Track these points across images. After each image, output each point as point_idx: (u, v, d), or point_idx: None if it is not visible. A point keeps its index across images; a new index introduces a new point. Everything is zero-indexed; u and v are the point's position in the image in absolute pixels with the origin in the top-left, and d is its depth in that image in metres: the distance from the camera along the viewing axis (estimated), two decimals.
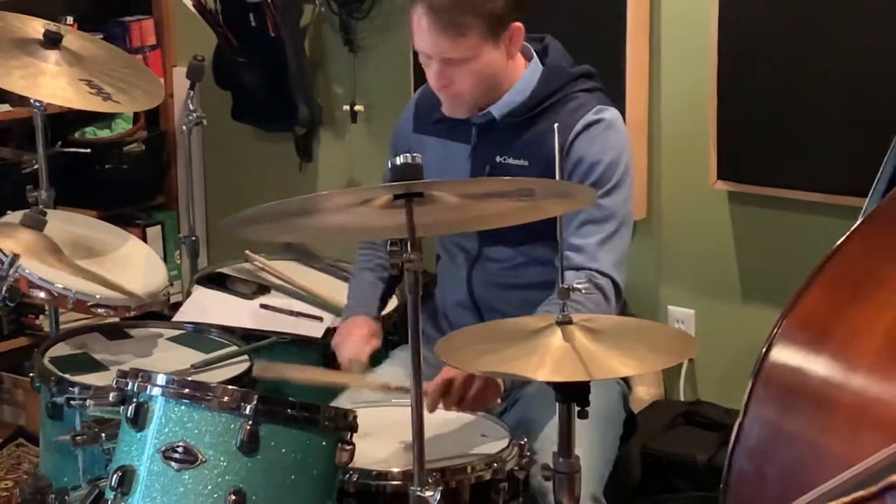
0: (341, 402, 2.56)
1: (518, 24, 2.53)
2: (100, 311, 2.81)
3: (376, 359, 2.67)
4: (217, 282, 3.15)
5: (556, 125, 2.15)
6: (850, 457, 1.28)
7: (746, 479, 1.48)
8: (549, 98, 2.59)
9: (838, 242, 1.55)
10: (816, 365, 1.44)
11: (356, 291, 2.78)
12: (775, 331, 1.49)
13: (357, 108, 3.89)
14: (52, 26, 2.99)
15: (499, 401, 2.46)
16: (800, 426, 1.42)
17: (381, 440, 2.34)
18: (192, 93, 3.38)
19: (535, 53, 2.63)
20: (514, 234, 2.52)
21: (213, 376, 2.63)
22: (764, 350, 1.49)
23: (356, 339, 2.60)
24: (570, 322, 2.07)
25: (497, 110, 2.60)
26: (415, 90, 3.43)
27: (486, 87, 2.55)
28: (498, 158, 2.60)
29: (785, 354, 1.48)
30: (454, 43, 2.47)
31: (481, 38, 2.48)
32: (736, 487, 1.50)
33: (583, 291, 2.12)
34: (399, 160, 1.94)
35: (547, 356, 2.00)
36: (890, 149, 1.72)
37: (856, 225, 1.67)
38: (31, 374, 2.69)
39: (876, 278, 1.44)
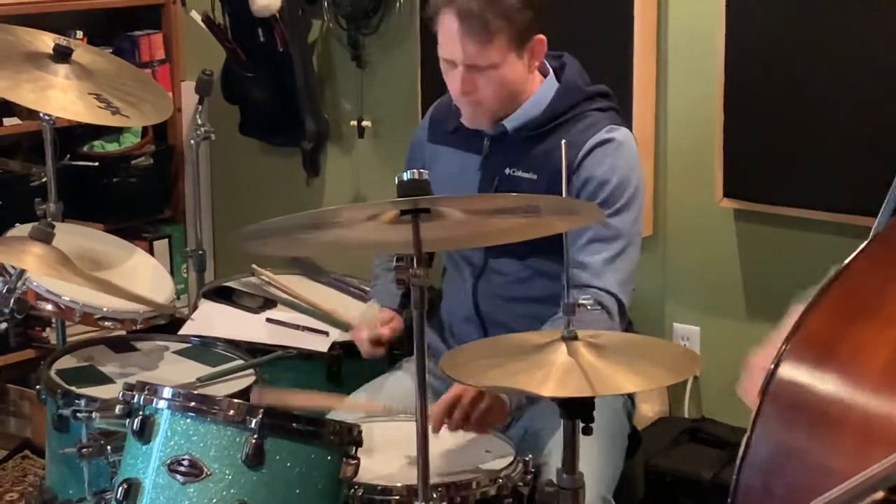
0: (346, 416, 2.56)
1: (541, 36, 2.55)
2: (107, 323, 2.82)
3: (398, 342, 2.72)
4: (223, 296, 3.15)
5: (563, 141, 2.16)
6: (856, 473, 1.29)
7: (753, 495, 1.49)
8: (562, 115, 2.60)
9: (846, 261, 1.55)
10: (823, 382, 1.45)
11: (377, 288, 2.81)
12: (783, 348, 1.50)
13: (364, 123, 3.90)
14: (62, 40, 3.00)
15: (506, 421, 2.46)
16: (806, 442, 1.43)
17: (385, 455, 2.34)
18: (200, 107, 3.39)
19: (551, 70, 2.65)
20: (520, 248, 2.53)
21: (219, 390, 2.64)
22: (772, 367, 1.50)
23: (373, 325, 2.66)
24: (575, 338, 2.07)
25: (510, 123, 2.61)
26: (422, 106, 3.45)
27: (506, 97, 2.57)
28: (507, 171, 2.61)
29: (792, 372, 1.49)
30: (482, 48, 2.49)
31: (507, 46, 2.50)
32: (743, 503, 1.51)
33: (588, 308, 2.13)
34: (406, 176, 1.95)
35: (552, 371, 2.01)
36: None
37: (863, 244, 1.67)
38: (37, 387, 2.70)
39: (881, 296, 1.45)
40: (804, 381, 1.46)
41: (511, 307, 2.64)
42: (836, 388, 1.41)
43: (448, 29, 2.51)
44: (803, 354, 1.47)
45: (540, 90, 2.62)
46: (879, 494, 1.12)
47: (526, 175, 2.59)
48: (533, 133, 2.60)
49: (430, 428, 2.05)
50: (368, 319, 2.69)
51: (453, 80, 2.55)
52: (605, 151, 2.56)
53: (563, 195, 2.13)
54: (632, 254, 2.58)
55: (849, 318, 1.45)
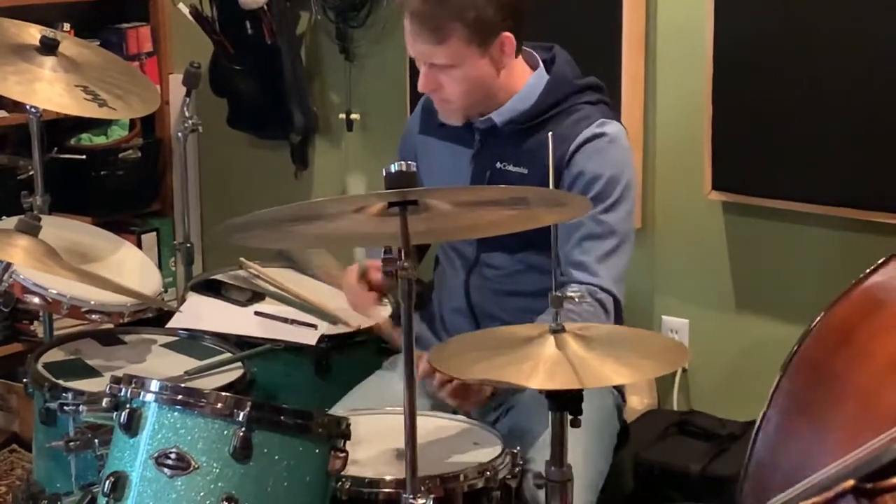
0: (335, 409, 2.56)
1: (508, 34, 2.53)
2: (94, 316, 2.81)
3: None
4: (211, 289, 3.14)
5: (549, 134, 2.16)
6: (845, 453, 1.30)
7: (764, 468, 1.51)
8: (552, 108, 2.59)
9: (885, 258, 1.58)
10: (836, 364, 1.48)
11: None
12: (811, 327, 1.54)
13: (353, 116, 3.89)
14: (49, 32, 2.99)
15: (489, 394, 2.46)
16: (811, 420, 1.46)
17: (373, 448, 2.34)
18: (188, 100, 3.38)
19: (541, 62, 2.64)
20: (513, 242, 2.53)
21: (207, 383, 2.63)
22: (795, 347, 1.53)
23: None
24: (563, 330, 2.07)
25: (498, 117, 2.60)
26: (411, 99, 3.45)
27: (475, 95, 2.56)
28: (498, 165, 2.61)
29: (812, 352, 1.52)
30: (435, 48, 2.49)
31: (464, 45, 2.49)
32: (754, 475, 1.53)
33: (576, 300, 2.12)
34: (394, 168, 1.94)
35: (540, 364, 2.01)
36: None
37: None
38: (24, 380, 2.69)
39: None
40: (820, 363, 1.49)
41: (504, 301, 2.64)
42: (846, 371, 1.44)
43: (406, 28, 2.53)
44: (826, 338, 1.50)
45: (529, 83, 2.61)
46: (849, 483, 1.13)
47: (517, 169, 2.58)
48: (523, 127, 2.60)
49: (426, 416, 2.04)
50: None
51: (420, 78, 2.57)
52: (597, 146, 2.56)
53: (551, 187, 2.13)
54: (625, 250, 2.57)
55: (869, 311, 1.48)
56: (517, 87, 2.60)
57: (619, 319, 2.57)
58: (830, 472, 1.18)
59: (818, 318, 1.55)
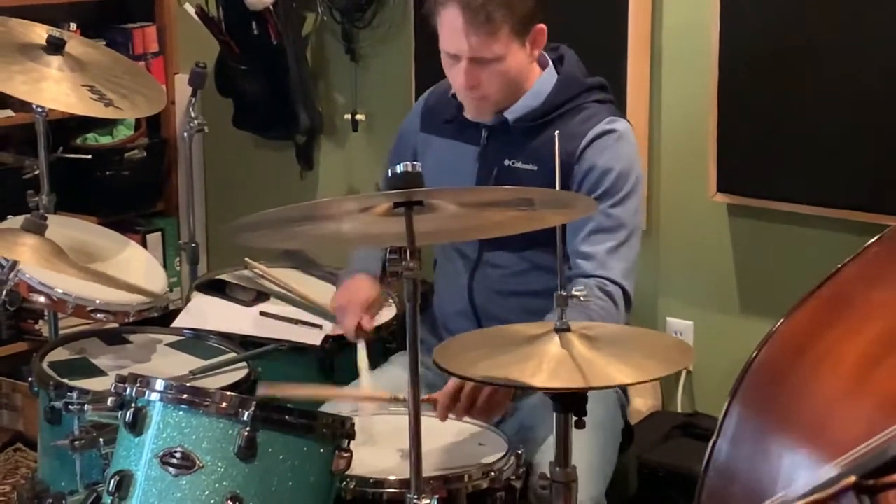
0: (339, 409, 2.56)
1: (542, 25, 2.55)
2: (99, 316, 2.81)
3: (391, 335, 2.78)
4: (216, 288, 3.15)
5: (556, 132, 2.16)
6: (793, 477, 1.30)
7: (716, 497, 1.49)
8: (562, 106, 2.60)
9: (839, 266, 1.55)
10: (787, 386, 1.45)
11: (358, 255, 2.83)
12: (754, 355, 1.50)
13: (358, 116, 3.90)
14: (55, 32, 2.99)
15: (508, 407, 2.46)
16: (762, 444, 1.43)
17: (378, 448, 2.34)
18: (193, 100, 3.39)
19: (550, 61, 2.65)
20: (516, 240, 2.52)
21: (212, 382, 2.63)
22: (743, 370, 1.49)
23: (357, 307, 2.67)
24: (568, 329, 2.07)
25: (511, 114, 2.61)
26: (415, 98, 3.44)
27: (510, 88, 2.57)
28: (506, 162, 2.61)
29: (762, 375, 1.48)
30: (487, 41, 2.49)
31: (511, 37, 2.50)
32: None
33: (581, 299, 2.12)
34: (399, 168, 1.94)
35: (544, 363, 2.01)
36: None
37: (863, 248, 1.66)
38: (29, 379, 2.69)
39: (860, 304, 1.45)
40: (771, 385, 1.46)
41: (507, 301, 2.64)
42: (798, 393, 1.41)
43: (451, 22, 2.50)
44: (776, 358, 1.47)
45: (540, 81, 2.62)
46: (851, 479, 1.13)
47: (526, 166, 2.59)
48: (532, 124, 2.60)
49: (430, 416, 2.04)
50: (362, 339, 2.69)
51: (457, 75, 2.55)
52: (607, 142, 2.57)
53: (557, 187, 2.13)
54: (634, 243, 2.58)
55: (824, 325, 1.45)
56: (529, 85, 2.61)
57: (629, 313, 2.57)
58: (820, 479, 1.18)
59: (773, 331, 1.51)
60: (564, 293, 2.09)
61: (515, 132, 2.61)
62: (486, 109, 2.61)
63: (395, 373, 2.68)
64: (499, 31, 2.48)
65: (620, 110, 2.76)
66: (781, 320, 1.48)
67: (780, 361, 1.43)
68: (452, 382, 2.35)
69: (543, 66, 2.64)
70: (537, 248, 2.55)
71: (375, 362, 2.82)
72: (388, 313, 2.95)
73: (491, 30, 2.47)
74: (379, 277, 2.75)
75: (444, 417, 2.36)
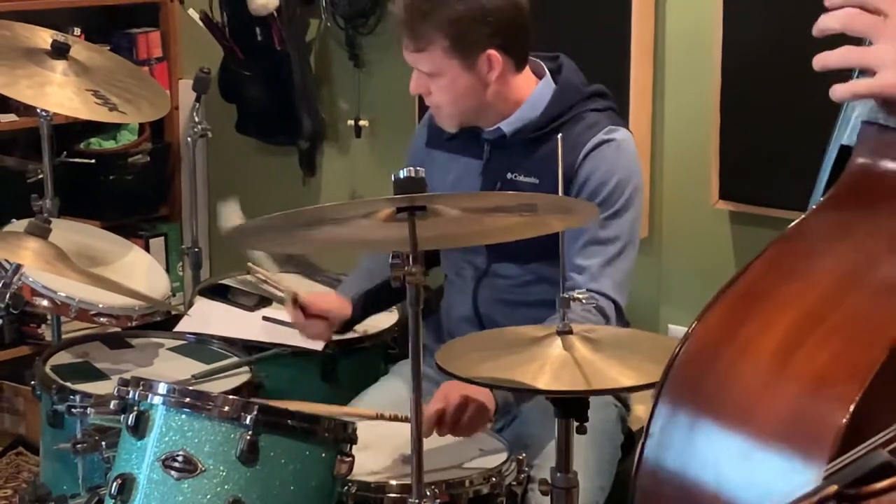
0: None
1: (494, 52, 2.53)
2: (102, 320, 2.82)
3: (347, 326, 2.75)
4: (219, 293, 3.16)
5: (559, 136, 2.16)
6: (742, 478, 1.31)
7: (649, 499, 1.48)
8: (560, 116, 2.60)
9: (747, 264, 1.56)
10: (710, 382, 1.46)
11: (348, 278, 2.85)
12: (674, 355, 1.50)
13: (361, 122, 3.90)
14: (60, 37, 3.00)
15: (490, 424, 2.45)
16: (689, 440, 1.44)
17: (380, 453, 2.34)
18: (197, 105, 3.39)
19: (547, 71, 2.65)
20: (523, 252, 2.53)
21: (214, 387, 2.64)
22: (665, 372, 1.49)
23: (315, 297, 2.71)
24: (570, 332, 2.07)
25: (507, 126, 2.61)
26: (419, 106, 3.46)
27: (463, 106, 2.58)
28: (509, 175, 2.61)
29: (683, 375, 1.49)
30: (416, 56, 2.55)
31: (445, 57, 2.53)
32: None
33: (583, 302, 2.12)
34: (402, 174, 1.95)
35: (546, 365, 2.01)
36: (823, 165, 1.71)
37: (766, 247, 1.67)
38: (32, 382, 2.70)
39: (771, 298, 1.46)
40: (694, 380, 1.47)
41: (512, 311, 2.64)
42: (724, 384, 1.42)
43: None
44: (690, 364, 1.48)
45: (536, 92, 2.62)
46: (833, 488, 1.13)
47: (528, 179, 2.59)
48: (532, 136, 2.60)
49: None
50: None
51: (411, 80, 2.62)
52: (605, 152, 2.56)
53: (560, 193, 2.13)
54: (629, 255, 2.58)
55: (735, 323, 1.46)
56: (523, 97, 2.61)
57: (622, 324, 2.57)
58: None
59: (690, 331, 1.51)
60: (567, 296, 2.09)
61: (517, 145, 2.61)
62: (445, 119, 2.64)
63: (396, 384, 2.68)
64: (426, 48, 2.52)
65: (623, 118, 2.76)
66: (695, 321, 1.49)
67: (700, 361, 1.44)
68: (431, 407, 2.32)
69: (540, 77, 2.64)
70: (542, 261, 2.55)
71: (377, 368, 2.83)
72: (390, 318, 2.96)
73: (418, 46, 2.53)
74: (352, 295, 2.74)
75: (427, 436, 2.33)
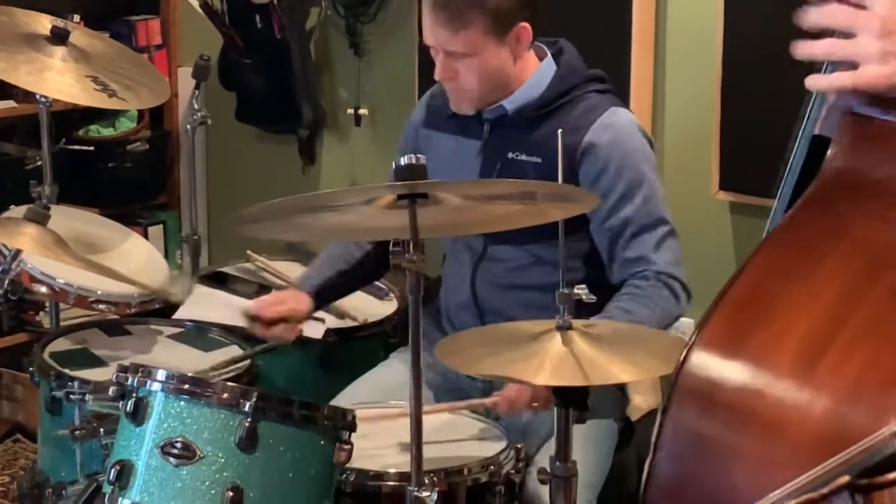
0: (341, 401, 2.57)
1: (525, 24, 2.54)
2: (101, 307, 2.81)
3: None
4: (218, 281, 3.15)
5: (559, 130, 2.16)
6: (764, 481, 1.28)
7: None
8: (562, 96, 2.60)
9: (742, 263, 1.53)
10: (727, 393, 1.41)
11: (310, 267, 2.84)
12: (679, 367, 1.45)
13: (361, 111, 3.90)
14: (60, 23, 2.99)
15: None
16: (711, 456, 1.40)
17: (379, 441, 2.34)
18: (197, 92, 3.39)
19: (549, 53, 2.65)
20: (521, 234, 2.52)
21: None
22: (672, 384, 1.45)
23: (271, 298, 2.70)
24: (570, 327, 2.07)
25: (510, 104, 2.60)
26: (419, 94, 3.45)
27: (490, 84, 2.56)
28: (510, 155, 2.61)
29: (695, 386, 1.44)
30: (455, 36, 2.49)
31: (484, 34, 2.49)
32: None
33: (584, 298, 2.12)
34: (403, 161, 1.95)
35: (546, 360, 2.01)
36: (793, 151, 1.69)
37: (759, 244, 1.63)
38: (30, 369, 2.70)
39: (774, 302, 1.43)
40: (708, 391, 1.42)
41: (509, 295, 2.64)
42: (744, 396, 1.38)
43: (425, 16, 2.53)
44: (706, 364, 1.43)
45: (538, 72, 2.61)
46: (845, 479, 1.12)
47: (530, 159, 2.58)
48: (533, 115, 2.60)
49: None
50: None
51: (436, 66, 2.56)
52: (614, 138, 2.55)
53: (559, 180, 2.13)
54: (674, 232, 2.59)
55: (746, 328, 1.43)
56: (526, 76, 2.60)
57: (687, 296, 2.58)
58: (810, 477, 1.15)
59: (694, 334, 1.47)
60: (567, 291, 2.09)
61: (517, 125, 2.60)
62: (466, 102, 2.61)
63: (397, 371, 2.68)
64: (467, 27, 2.48)
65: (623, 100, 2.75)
66: (695, 331, 1.44)
67: (712, 370, 1.39)
68: (504, 407, 2.38)
69: (541, 58, 2.64)
70: (542, 243, 2.55)
71: (376, 357, 2.83)
72: (389, 306, 2.95)
73: (458, 26, 2.48)
74: (312, 291, 2.73)
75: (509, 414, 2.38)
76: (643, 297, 2.48)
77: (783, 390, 1.32)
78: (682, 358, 1.42)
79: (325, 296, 2.75)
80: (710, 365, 1.39)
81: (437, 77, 2.58)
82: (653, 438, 1.46)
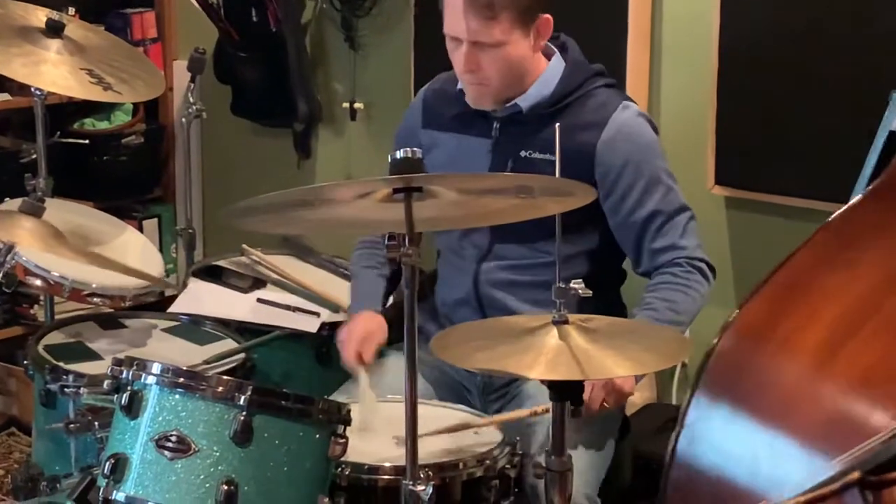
0: (336, 396, 2.56)
1: (547, 15, 2.54)
2: (95, 300, 2.81)
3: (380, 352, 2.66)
4: (213, 275, 3.15)
5: (557, 125, 2.16)
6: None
7: (682, 490, 1.47)
8: (574, 92, 2.61)
9: (791, 252, 1.54)
10: (750, 375, 1.44)
11: (360, 288, 2.76)
12: (714, 345, 1.49)
13: (357, 105, 3.89)
14: (55, 15, 2.99)
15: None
16: (728, 433, 1.42)
17: (374, 435, 2.34)
18: (192, 85, 3.38)
19: (556, 50, 2.65)
20: (528, 231, 2.51)
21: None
22: (703, 361, 1.49)
23: (356, 338, 2.58)
24: (566, 322, 2.07)
25: (524, 102, 2.60)
26: (415, 88, 3.44)
27: (512, 77, 2.56)
28: (523, 153, 2.60)
29: (724, 365, 1.47)
30: (486, 26, 2.48)
31: (512, 24, 2.49)
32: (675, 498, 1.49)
33: (580, 293, 2.11)
34: (399, 154, 1.94)
35: (542, 354, 2.01)
36: (871, 150, 1.70)
37: (816, 230, 1.65)
38: (25, 362, 2.69)
39: (814, 290, 1.45)
40: (734, 371, 1.45)
41: (514, 292, 2.63)
42: (765, 378, 1.40)
43: (453, 4, 2.50)
44: (735, 349, 1.46)
45: (549, 69, 2.61)
46: (855, 475, 1.12)
47: (544, 156, 2.57)
48: (545, 112, 2.59)
49: (424, 404, 2.03)
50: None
51: (458, 58, 2.54)
52: (630, 133, 2.58)
53: (557, 173, 2.12)
54: (694, 217, 2.63)
55: (781, 312, 1.45)
56: (538, 73, 2.60)
57: (713, 275, 2.62)
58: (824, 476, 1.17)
59: (731, 320, 1.50)
60: (563, 285, 2.09)
61: (528, 122, 2.60)
62: (486, 96, 2.59)
63: (392, 366, 2.68)
64: (499, 16, 2.47)
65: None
66: (737, 310, 1.47)
67: (741, 351, 1.43)
68: (594, 404, 2.39)
69: (549, 56, 2.64)
70: (548, 240, 2.53)
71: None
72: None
73: (490, 15, 2.47)
74: (380, 309, 2.70)
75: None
76: (681, 284, 2.53)
77: (799, 375, 1.35)
78: (717, 336, 1.47)
79: (385, 303, 2.74)
80: (740, 346, 1.44)
81: (462, 70, 2.56)
82: (682, 408, 1.50)
